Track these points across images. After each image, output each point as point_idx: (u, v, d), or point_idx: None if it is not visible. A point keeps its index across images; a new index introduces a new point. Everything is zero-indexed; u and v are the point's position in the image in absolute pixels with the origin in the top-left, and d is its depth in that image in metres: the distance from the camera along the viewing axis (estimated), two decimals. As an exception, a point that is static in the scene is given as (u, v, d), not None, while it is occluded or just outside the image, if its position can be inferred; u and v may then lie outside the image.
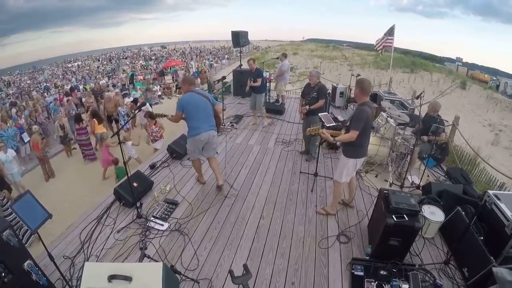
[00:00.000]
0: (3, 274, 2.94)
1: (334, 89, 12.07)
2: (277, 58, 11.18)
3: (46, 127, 13.45)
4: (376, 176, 6.43)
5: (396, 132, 6.33)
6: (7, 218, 5.70)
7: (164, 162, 7.07)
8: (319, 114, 5.50)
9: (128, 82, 24.75)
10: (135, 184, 5.32)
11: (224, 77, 9.04)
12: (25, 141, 11.68)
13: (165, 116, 5.25)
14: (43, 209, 3.22)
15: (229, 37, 12.23)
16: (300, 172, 6.54)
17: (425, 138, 6.32)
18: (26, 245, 6.06)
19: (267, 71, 13.40)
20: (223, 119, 9.37)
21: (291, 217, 5.04)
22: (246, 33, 12.57)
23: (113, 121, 12.66)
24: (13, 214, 5.36)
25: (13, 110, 14.70)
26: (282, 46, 63.13)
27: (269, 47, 65.73)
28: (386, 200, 3.91)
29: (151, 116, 9.28)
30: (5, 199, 6.71)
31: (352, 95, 12.51)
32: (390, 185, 6.00)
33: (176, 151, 7.18)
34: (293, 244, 4.41)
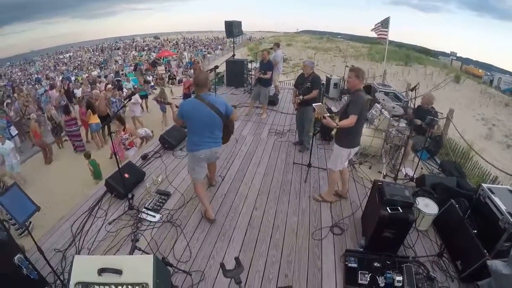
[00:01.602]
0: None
1: (328, 80, 12.03)
2: (271, 48, 11.06)
3: (39, 119, 13.27)
4: (370, 168, 6.42)
5: (390, 124, 6.30)
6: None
7: (156, 152, 6.98)
8: (313, 104, 5.44)
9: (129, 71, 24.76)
10: (126, 175, 5.24)
11: (216, 67, 8.91)
12: (13, 134, 11.53)
13: (169, 104, 4.83)
14: (30, 201, 3.15)
15: (223, 28, 12.08)
16: (294, 163, 6.51)
17: (418, 121, 6.25)
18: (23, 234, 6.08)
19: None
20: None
21: (285, 208, 5.01)
22: (239, 23, 12.43)
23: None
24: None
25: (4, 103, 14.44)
26: (276, 37, 62.68)
27: (263, 38, 65.30)
28: (380, 191, 3.88)
29: (119, 119, 8.58)
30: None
31: (346, 87, 12.49)
32: (384, 177, 5.98)
33: (168, 142, 7.09)
34: (286, 235, 4.38)
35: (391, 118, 6.36)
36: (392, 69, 27.91)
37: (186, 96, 10.12)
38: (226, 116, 4.30)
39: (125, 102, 8.07)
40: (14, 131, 11.61)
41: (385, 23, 12.92)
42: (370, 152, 6.71)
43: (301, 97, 6.49)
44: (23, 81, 31.86)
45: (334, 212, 4.92)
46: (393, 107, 6.37)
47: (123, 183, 4.94)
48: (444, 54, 54.33)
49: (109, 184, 5.16)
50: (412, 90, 5.84)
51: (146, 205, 4.91)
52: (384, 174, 6.04)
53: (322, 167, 6.33)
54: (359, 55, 36.39)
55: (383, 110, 6.81)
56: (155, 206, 4.91)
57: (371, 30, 13.82)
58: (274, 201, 5.21)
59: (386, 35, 12.98)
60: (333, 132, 6.61)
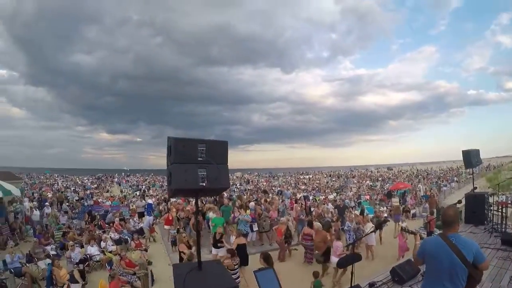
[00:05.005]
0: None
1: None
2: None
3: (276, 223, 15.29)
4: None
5: None
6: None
7: (384, 284, 6.96)
8: None
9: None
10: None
11: (460, 201, 8.50)
12: (254, 229, 14.13)
13: (414, 233, 4.64)
14: (279, 286, 3.90)
15: (456, 158, 11.76)
16: None
17: None
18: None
19: (503, 194, 11.85)
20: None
21: None
22: (477, 151, 11.64)
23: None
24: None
25: (252, 204, 17.44)
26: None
27: (501, 164, 57.40)
28: None
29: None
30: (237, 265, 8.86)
31: None
32: None
33: (399, 275, 6.97)
34: None
35: None
36: None
37: (429, 234, 9.71)
38: (474, 265, 3.58)
39: (373, 231, 8.49)
40: (255, 227, 14.18)
41: None
42: None
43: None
44: (267, 189, 36.69)
45: None
46: None
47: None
48: None
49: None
50: None
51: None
52: None
53: None
54: None
55: None
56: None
57: None
58: None
59: None
60: None
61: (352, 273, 5.07)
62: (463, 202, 12.08)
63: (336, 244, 10.24)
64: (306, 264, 11.94)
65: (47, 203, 20.92)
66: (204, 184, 3.64)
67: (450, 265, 3.54)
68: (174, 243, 13.85)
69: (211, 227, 13.58)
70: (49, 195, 29.06)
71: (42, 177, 62.00)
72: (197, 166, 3.68)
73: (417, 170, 70.60)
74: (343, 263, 6.72)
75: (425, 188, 34.37)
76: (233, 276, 8.01)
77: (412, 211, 23.13)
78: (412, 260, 7.51)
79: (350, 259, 6.60)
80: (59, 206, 23.51)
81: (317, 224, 11.66)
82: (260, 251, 13.06)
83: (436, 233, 12.74)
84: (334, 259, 9.59)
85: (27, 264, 11.00)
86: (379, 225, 5.74)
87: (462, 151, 11.49)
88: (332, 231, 12.52)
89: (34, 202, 22.30)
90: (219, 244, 11.19)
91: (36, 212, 18.85)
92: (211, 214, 14.26)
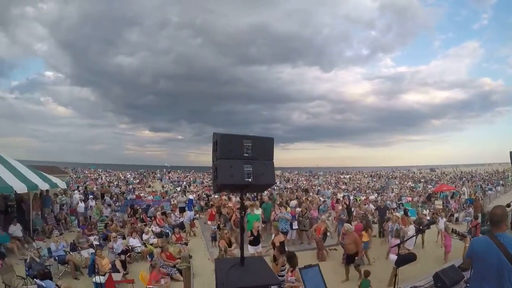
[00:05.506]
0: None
1: None
2: None
3: (316, 222, 15.12)
4: None
5: None
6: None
7: (425, 289, 6.74)
8: None
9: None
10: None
11: (508, 205, 8.10)
12: (293, 227, 14.00)
13: (464, 236, 4.59)
14: (324, 284, 3.86)
15: (502, 159, 11.01)
16: None
17: None
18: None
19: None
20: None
21: None
22: None
23: None
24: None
25: (293, 202, 17.28)
26: None
27: (552, 166, 53.77)
28: None
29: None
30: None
31: None
32: None
33: (442, 280, 6.68)
34: None
35: None
36: None
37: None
38: None
39: (425, 227, 8.27)
40: (295, 225, 14.05)
41: None
42: None
43: None
44: (307, 188, 36.28)
45: None
46: None
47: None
48: None
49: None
50: None
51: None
52: None
53: None
54: None
55: None
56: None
57: None
58: None
59: None
60: None
61: (396, 275, 4.94)
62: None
63: (394, 241, 10.13)
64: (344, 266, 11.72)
65: (91, 196, 21.68)
66: (250, 180, 3.55)
67: (497, 265, 3.41)
68: (214, 239, 14.09)
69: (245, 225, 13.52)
70: (94, 188, 30.17)
71: (86, 172, 64.81)
72: (243, 162, 3.59)
73: (461, 172, 67.87)
74: (401, 262, 6.56)
75: (470, 192, 32.97)
76: (282, 273, 7.97)
77: (455, 215, 22.20)
78: (456, 266, 7.32)
79: (407, 259, 6.43)
80: (102, 199, 24.36)
81: (347, 225, 11.27)
82: (299, 249, 13.00)
83: (482, 237, 12.18)
84: (392, 257, 9.40)
85: (71, 252, 11.53)
86: (427, 225, 5.44)
87: (510, 152, 10.82)
88: (370, 231, 12.44)
89: (80, 195, 23.28)
90: (261, 240, 11.36)
91: (81, 204, 19.72)
92: (254, 211, 14.16)
